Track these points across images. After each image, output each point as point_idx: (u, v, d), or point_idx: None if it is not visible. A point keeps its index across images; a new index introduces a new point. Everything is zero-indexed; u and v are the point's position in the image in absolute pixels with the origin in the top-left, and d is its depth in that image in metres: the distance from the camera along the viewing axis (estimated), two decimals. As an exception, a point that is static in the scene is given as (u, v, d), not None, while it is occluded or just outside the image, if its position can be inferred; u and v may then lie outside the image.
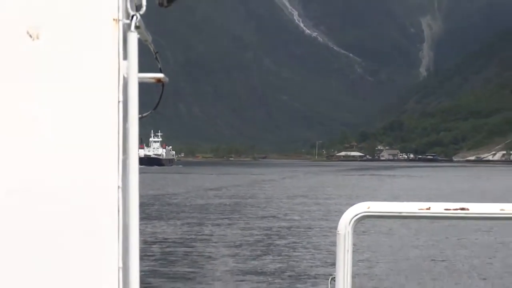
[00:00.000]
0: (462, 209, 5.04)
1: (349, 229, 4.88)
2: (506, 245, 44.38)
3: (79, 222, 4.10)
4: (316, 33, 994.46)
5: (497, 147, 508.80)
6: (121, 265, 4.15)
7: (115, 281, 4.14)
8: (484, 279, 37.30)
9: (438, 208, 5.06)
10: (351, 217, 4.89)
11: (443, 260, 40.62)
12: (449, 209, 5.05)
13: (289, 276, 38.55)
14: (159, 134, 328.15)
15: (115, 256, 4.10)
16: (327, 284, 4.85)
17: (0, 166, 3.80)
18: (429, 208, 5.02)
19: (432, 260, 40.83)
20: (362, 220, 4.98)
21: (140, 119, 4.35)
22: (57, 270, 4.12)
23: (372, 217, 5.01)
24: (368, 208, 4.95)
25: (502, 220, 5.00)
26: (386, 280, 32.64)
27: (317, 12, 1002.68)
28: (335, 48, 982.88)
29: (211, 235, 55.49)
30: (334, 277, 4.81)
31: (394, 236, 44.03)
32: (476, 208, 5.05)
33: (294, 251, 47.64)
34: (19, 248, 4.03)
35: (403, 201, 5.16)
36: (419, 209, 5.05)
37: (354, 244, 4.93)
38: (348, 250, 4.89)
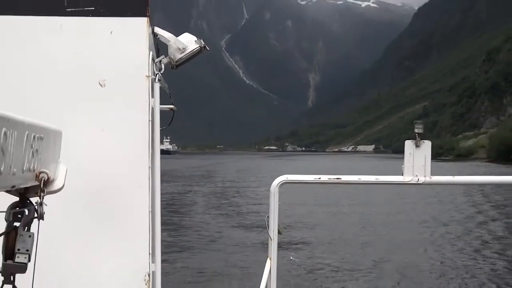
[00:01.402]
0: (338, 178, 4.81)
1: (276, 189, 4.64)
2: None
3: (127, 184, 3.93)
4: (252, 82, 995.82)
5: (349, 144, 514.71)
6: (150, 209, 3.93)
7: (146, 219, 3.92)
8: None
9: (324, 178, 4.81)
10: (277, 182, 4.66)
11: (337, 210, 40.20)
12: (331, 178, 4.81)
13: (234, 213, 37.85)
14: (168, 137, 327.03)
15: (147, 202, 3.89)
16: (265, 221, 4.63)
17: (80, 162, 3.49)
18: (320, 178, 4.82)
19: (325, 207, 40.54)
20: (284, 185, 4.73)
21: (161, 130, 4.22)
22: (109, 215, 3.90)
23: (289, 183, 4.74)
24: (287, 178, 4.74)
25: (360, 185, 4.80)
26: (301, 221, 31.73)
27: (252, 70, 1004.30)
28: (262, 90, 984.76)
29: (193, 190, 54.65)
30: (268, 216, 4.60)
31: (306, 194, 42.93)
32: (346, 178, 4.82)
33: (241, 201, 46.99)
34: (81, 203, 3.82)
35: (303, 174, 4.97)
36: (314, 179, 4.86)
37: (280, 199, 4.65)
38: (276, 202, 4.65)
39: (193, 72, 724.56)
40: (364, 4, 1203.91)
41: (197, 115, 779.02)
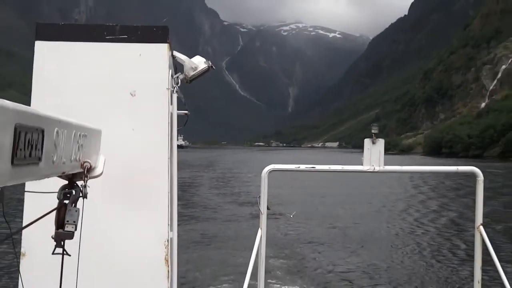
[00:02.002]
0: (313, 167, 4.68)
1: (266, 175, 4.51)
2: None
3: (151, 171, 3.88)
4: (245, 94, 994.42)
5: (319, 141, 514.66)
6: (169, 190, 3.91)
7: (166, 197, 3.88)
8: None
9: (302, 167, 4.66)
10: (267, 170, 4.51)
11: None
12: (308, 167, 4.67)
13: (230, 193, 37.53)
14: (182, 135, 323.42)
15: (166, 184, 3.87)
16: (257, 199, 4.47)
17: (115, 154, 3.38)
18: (299, 167, 4.67)
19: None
20: (272, 172, 4.57)
21: (178, 130, 4.22)
22: (137, 194, 3.88)
23: (276, 171, 4.54)
24: (274, 167, 4.59)
25: (330, 172, 4.66)
26: (289, 202, 31.38)
27: (246, 85, 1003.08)
28: (253, 100, 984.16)
29: (202, 175, 54.14)
30: (260, 196, 4.45)
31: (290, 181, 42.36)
32: (319, 167, 4.69)
33: (236, 183, 46.65)
34: (116, 186, 3.75)
35: (287, 164, 4.84)
36: (295, 167, 4.70)
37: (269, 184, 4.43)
38: (265, 185, 4.49)
39: (201, 86, 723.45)
40: (331, 35, 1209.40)
41: (204, 118, 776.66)
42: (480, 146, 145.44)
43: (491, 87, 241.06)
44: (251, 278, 3.80)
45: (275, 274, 13.66)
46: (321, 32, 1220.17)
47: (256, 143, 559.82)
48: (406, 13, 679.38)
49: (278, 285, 12.73)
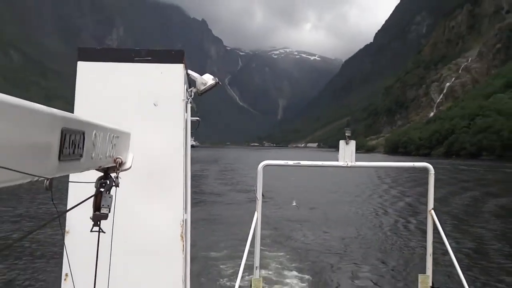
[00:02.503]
0: (298, 163, 4.53)
1: (261, 169, 4.35)
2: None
3: (170, 165, 3.81)
4: (244, 105, 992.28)
5: (302, 142, 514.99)
6: (184, 180, 3.89)
7: (181, 185, 3.82)
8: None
9: (291, 162, 4.51)
10: (262, 165, 4.36)
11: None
12: (295, 163, 4.51)
13: (231, 182, 37.26)
14: (193, 137, 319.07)
15: (182, 175, 3.81)
16: (254, 188, 4.31)
17: (141, 152, 3.31)
18: (287, 162, 4.51)
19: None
20: (266, 167, 4.39)
21: (191, 133, 4.19)
22: (158, 184, 3.79)
23: (270, 166, 4.41)
24: (268, 162, 4.44)
25: (316, 167, 4.55)
26: (279, 190, 31.05)
27: (244, 97, 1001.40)
28: (250, 109, 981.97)
29: (207, 168, 53.74)
30: (256, 186, 4.29)
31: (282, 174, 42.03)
32: (303, 163, 4.52)
33: (236, 175, 46.37)
34: (142, 177, 3.68)
35: (278, 160, 4.67)
36: (284, 163, 4.52)
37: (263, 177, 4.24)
38: (261, 177, 4.33)
39: (209, 98, 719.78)
40: (312, 58, 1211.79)
41: (211, 124, 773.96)
42: (429, 147, 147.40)
43: (438, 100, 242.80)
44: (250, 247, 3.81)
45: (266, 243, 13.58)
46: (304, 55, 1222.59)
47: (252, 144, 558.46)
48: (372, 41, 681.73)
49: (268, 252, 12.66)
